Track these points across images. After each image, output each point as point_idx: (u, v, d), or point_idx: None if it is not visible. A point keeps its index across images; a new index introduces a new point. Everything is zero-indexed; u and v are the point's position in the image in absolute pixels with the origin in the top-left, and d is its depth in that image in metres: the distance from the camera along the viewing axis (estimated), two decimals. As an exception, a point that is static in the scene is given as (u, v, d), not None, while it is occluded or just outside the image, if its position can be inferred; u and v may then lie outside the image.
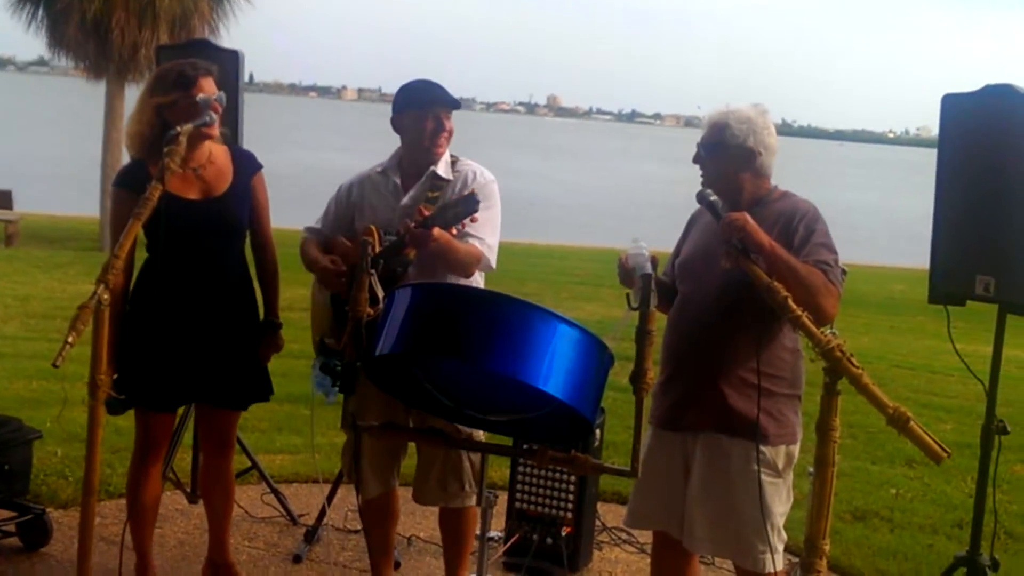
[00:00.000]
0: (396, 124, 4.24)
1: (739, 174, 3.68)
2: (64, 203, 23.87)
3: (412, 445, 4.40)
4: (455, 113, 4.24)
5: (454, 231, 3.83)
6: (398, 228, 3.95)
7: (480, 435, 3.99)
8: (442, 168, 4.19)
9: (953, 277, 4.32)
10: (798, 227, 3.59)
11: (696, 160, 3.73)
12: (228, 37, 18.93)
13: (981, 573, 4.31)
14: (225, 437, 4.38)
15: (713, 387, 3.60)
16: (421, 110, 4.16)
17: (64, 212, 23.15)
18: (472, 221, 3.84)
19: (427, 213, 3.82)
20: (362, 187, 4.31)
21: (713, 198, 3.53)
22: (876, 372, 9.32)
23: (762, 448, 3.55)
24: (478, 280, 4.21)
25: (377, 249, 3.91)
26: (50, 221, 21.70)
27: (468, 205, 3.74)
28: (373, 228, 4.01)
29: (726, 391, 3.60)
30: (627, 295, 3.36)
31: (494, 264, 4.16)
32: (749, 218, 3.41)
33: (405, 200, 4.17)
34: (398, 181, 4.23)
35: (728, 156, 3.67)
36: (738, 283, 3.42)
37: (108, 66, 18.20)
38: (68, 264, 15.22)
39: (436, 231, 3.77)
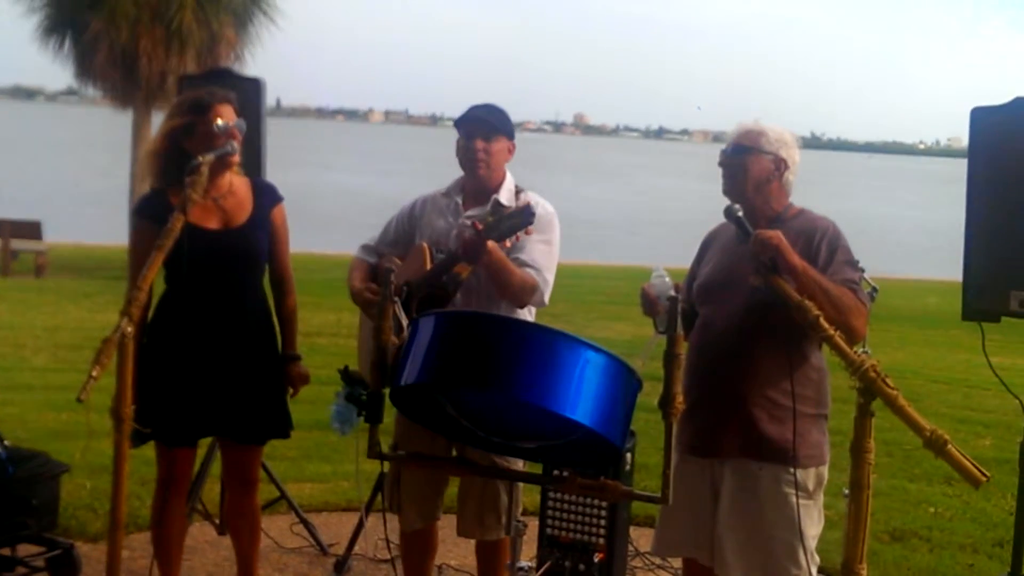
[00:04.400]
0: (456, 149, 4.26)
1: (769, 183, 3.65)
2: (92, 232, 24.03)
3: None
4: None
5: (508, 244, 3.80)
6: (451, 246, 3.92)
7: (520, 465, 3.94)
8: (504, 196, 4.18)
9: (987, 293, 4.26)
10: (820, 246, 3.55)
11: (724, 163, 3.67)
12: (254, 63, 19.06)
13: (1024, 594, 4.23)
14: (247, 473, 4.34)
15: (741, 411, 3.55)
16: (461, 131, 4.19)
17: (92, 241, 23.30)
18: (527, 234, 3.80)
19: (480, 227, 3.80)
20: (424, 206, 4.33)
21: (740, 214, 3.49)
22: (912, 387, 9.24)
23: (792, 471, 3.50)
24: (527, 316, 4.14)
25: (428, 266, 3.89)
26: (79, 251, 21.86)
27: (523, 217, 3.72)
28: (425, 246, 4.01)
29: (755, 413, 3.55)
30: (654, 321, 3.32)
31: (547, 300, 4.11)
32: (782, 236, 3.36)
33: (467, 215, 4.16)
34: (459, 201, 4.23)
35: (762, 161, 3.64)
36: (764, 303, 3.37)
37: (136, 94, 18.34)
38: (97, 293, 15.30)
39: (490, 244, 3.76)
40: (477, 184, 4.20)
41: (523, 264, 4.01)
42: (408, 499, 4.20)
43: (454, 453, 3.98)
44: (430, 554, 4.45)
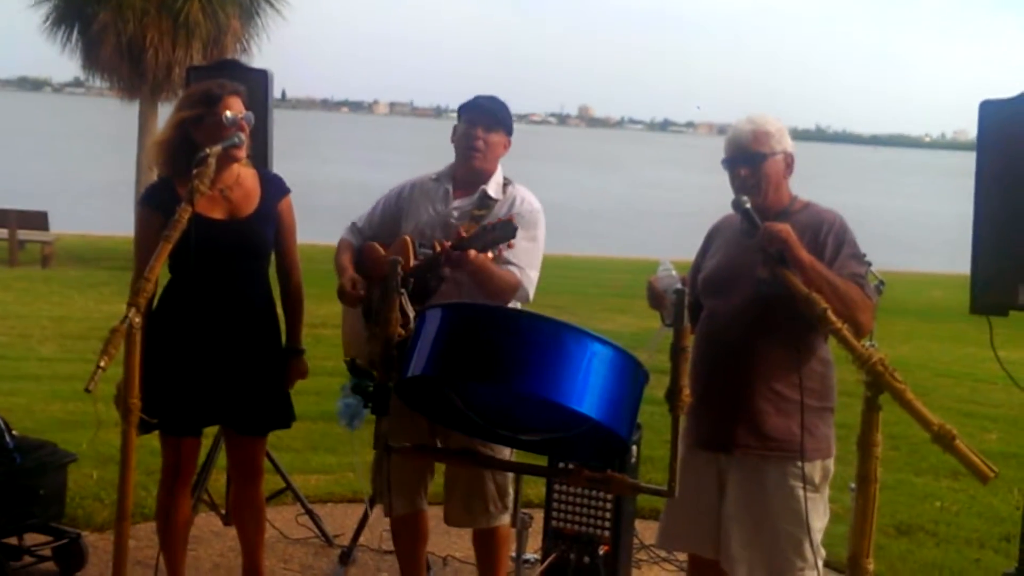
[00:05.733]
0: (452, 134, 4.28)
1: (784, 180, 3.66)
2: (99, 223, 24.03)
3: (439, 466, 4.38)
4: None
5: (491, 255, 3.81)
6: (433, 242, 3.92)
7: (507, 453, 3.95)
8: (492, 188, 4.19)
9: (995, 287, 4.24)
10: (827, 239, 3.54)
11: (745, 175, 3.61)
12: (260, 54, 19.05)
13: (1031, 589, 4.22)
14: (252, 465, 4.34)
15: (748, 403, 3.55)
16: (463, 118, 4.21)
17: (99, 232, 23.31)
18: (509, 247, 3.82)
19: (464, 234, 3.83)
20: (413, 190, 4.33)
21: (748, 205, 3.48)
22: (918, 381, 9.23)
23: (799, 464, 3.49)
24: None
25: (411, 261, 3.91)
26: (85, 241, 21.85)
27: (505, 231, 3.74)
28: (408, 239, 4.01)
29: (761, 406, 3.54)
30: (660, 314, 3.31)
31: (531, 296, 4.13)
32: (791, 229, 3.35)
33: (452, 207, 4.19)
34: (449, 188, 4.24)
35: (776, 163, 3.63)
36: (769, 295, 3.37)
37: (142, 86, 18.33)
38: (103, 284, 15.31)
39: (472, 254, 3.77)
40: (469, 173, 4.21)
41: (506, 262, 4.02)
42: (393, 487, 4.18)
43: (437, 443, 4.01)
44: (421, 541, 4.46)
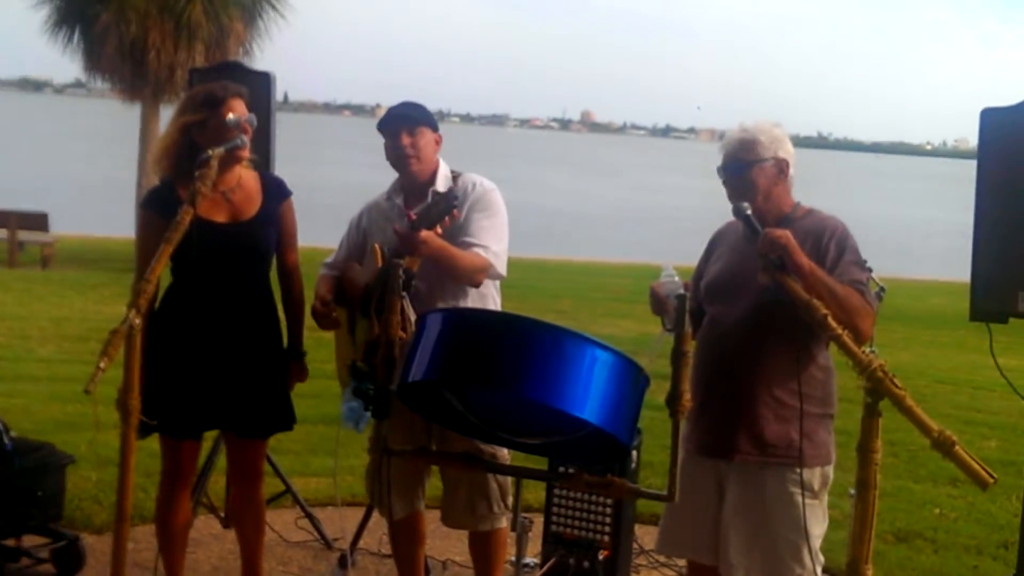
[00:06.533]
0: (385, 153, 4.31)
1: (775, 187, 3.64)
2: (99, 224, 24.03)
3: (435, 468, 4.39)
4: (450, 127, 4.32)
5: (439, 230, 3.85)
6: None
7: (505, 454, 3.96)
8: (441, 184, 4.22)
9: (995, 294, 4.25)
10: (829, 245, 3.54)
11: (729, 182, 3.66)
12: (262, 57, 19.06)
13: (1029, 596, 4.22)
14: (252, 467, 4.34)
15: (748, 410, 3.55)
16: (384, 132, 4.22)
17: (99, 233, 23.32)
18: (453, 218, 3.88)
19: (407, 218, 3.89)
20: (370, 214, 4.39)
21: (749, 212, 3.47)
22: (917, 388, 9.23)
23: (798, 470, 3.49)
24: (492, 290, 4.26)
25: (379, 263, 4.01)
26: (85, 243, 21.88)
27: (446, 202, 3.83)
28: (377, 246, 4.10)
29: (762, 413, 3.55)
30: (662, 319, 3.31)
31: (503, 271, 4.18)
32: (791, 236, 3.35)
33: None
34: (399, 202, 4.26)
35: (764, 170, 3.62)
36: (771, 302, 3.37)
37: (144, 88, 18.36)
38: (103, 285, 15.33)
39: (423, 233, 3.81)
40: (412, 181, 4.23)
41: (469, 245, 4.07)
42: (391, 488, 4.20)
43: (433, 446, 4.04)
44: (418, 543, 4.47)
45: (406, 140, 4.16)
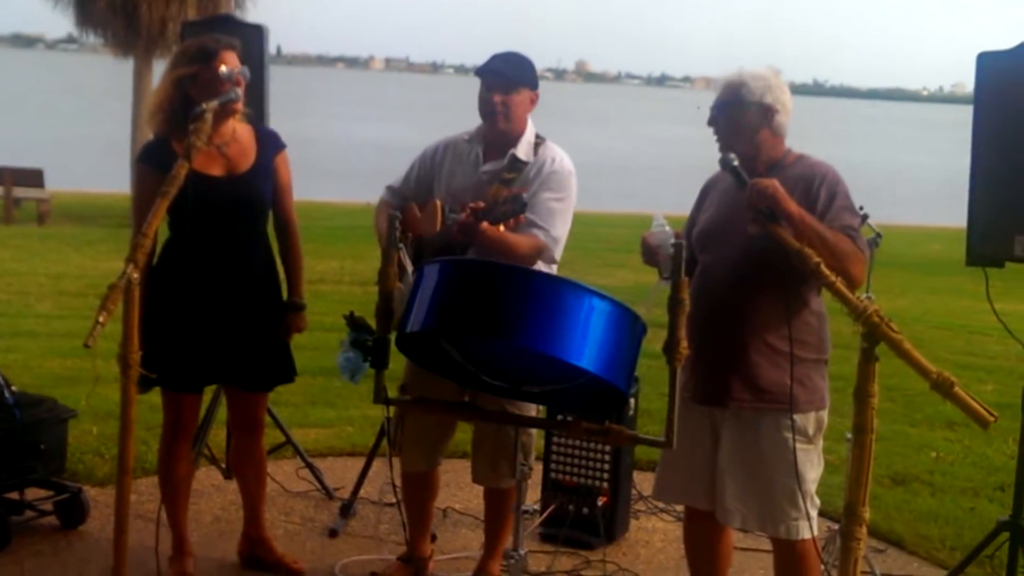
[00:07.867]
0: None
1: (757, 133, 3.60)
2: (94, 180, 23.96)
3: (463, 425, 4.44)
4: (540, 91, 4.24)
5: (502, 228, 3.82)
6: (460, 208, 3.93)
7: (532, 410, 3.99)
8: (523, 150, 4.16)
9: (991, 238, 4.25)
10: (819, 192, 3.52)
11: (711, 123, 3.66)
12: (255, 10, 18.93)
13: (1024, 537, 4.26)
14: (253, 419, 4.38)
15: (741, 357, 3.55)
16: (481, 85, 4.16)
17: (94, 189, 23.25)
18: (518, 222, 3.83)
19: (490, 197, 3.85)
20: (447, 151, 4.32)
21: (736, 163, 3.46)
22: (914, 334, 9.24)
23: (791, 415, 3.51)
24: (540, 265, 4.14)
25: (439, 226, 3.97)
26: (81, 198, 21.84)
27: (514, 205, 3.75)
28: (438, 203, 4.05)
29: (755, 360, 3.55)
30: (658, 268, 3.32)
31: (558, 256, 4.13)
32: (778, 185, 3.34)
33: (482, 171, 4.18)
34: (480, 151, 4.22)
35: (746, 114, 3.60)
36: (762, 249, 3.36)
37: (136, 43, 18.27)
38: (99, 241, 15.31)
39: (484, 225, 3.77)
40: (496, 135, 4.18)
41: (531, 223, 4.01)
42: (413, 442, 4.25)
43: (466, 398, 4.02)
44: (431, 496, 4.51)
45: (498, 99, 4.10)
